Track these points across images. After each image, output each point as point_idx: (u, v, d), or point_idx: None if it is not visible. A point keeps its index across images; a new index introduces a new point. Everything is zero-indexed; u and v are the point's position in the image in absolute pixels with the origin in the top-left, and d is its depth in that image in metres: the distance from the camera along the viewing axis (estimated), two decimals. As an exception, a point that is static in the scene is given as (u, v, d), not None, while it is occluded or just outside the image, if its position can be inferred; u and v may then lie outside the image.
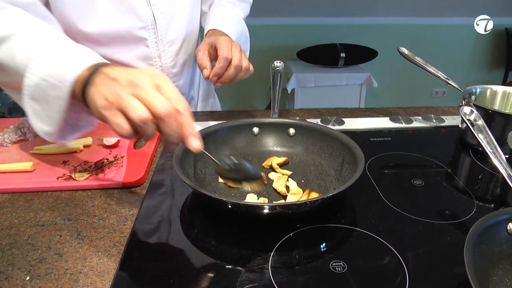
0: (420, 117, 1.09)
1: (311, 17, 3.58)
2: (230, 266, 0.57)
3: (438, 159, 0.88)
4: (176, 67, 1.12)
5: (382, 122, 1.06)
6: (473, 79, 3.92)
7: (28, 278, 0.55)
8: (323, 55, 3.45)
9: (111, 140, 0.90)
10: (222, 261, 0.58)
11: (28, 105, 0.69)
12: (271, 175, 0.79)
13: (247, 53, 1.19)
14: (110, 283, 0.53)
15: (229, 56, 0.91)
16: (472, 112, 0.81)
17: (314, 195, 0.72)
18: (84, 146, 0.91)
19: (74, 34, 0.93)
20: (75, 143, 0.90)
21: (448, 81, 1.02)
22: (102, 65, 0.62)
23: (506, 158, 0.70)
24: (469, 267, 0.48)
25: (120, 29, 0.99)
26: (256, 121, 0.89)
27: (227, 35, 1.03)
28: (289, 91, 3.35)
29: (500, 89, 1.00)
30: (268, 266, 0.56)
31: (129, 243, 0.61)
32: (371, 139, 0.97)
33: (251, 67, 0.97)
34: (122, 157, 0.85)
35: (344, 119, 1.06)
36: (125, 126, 0.55)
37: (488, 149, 0.73)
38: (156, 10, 1.01)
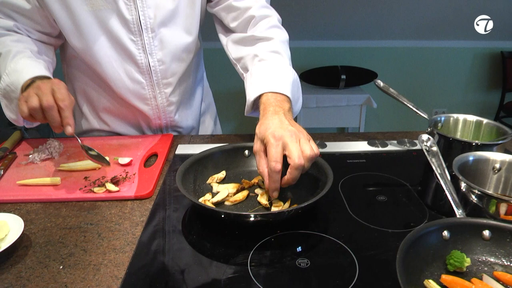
0: (395, 141, 1.24)
1: (314, 40, 3.76)
2: (218, 262, 0.72)
3: (404, 179, 1.03)
4: (171, 106, 1.28)
5: (360, 146, 1.21)
6: (470, 100, 4.07)
7: (61, 267, 0.71)
8: (324, 77, 3.62)
9: (125, 159, 1.06)
10: (213, 258, 0.74)
11: (1, 101, 1.08)
12: (257, 190, 0.94)
13: (300, 100, 1.13)
14: (124, 272, 0.69)
15: (301, 163, 0.81)
16: (428, 139, 0.97)
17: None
18: (103, 165, 1.07)
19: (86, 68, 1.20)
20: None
21: (417, 111, 1.17)
22: (39, 78, 0.99)
23: (450, 178, 0.85)
24: (399, 263, 0.63)
25: (121, 72, 1.18)
26: (247, 145, 1.04)
27: (286, 96, 0.99)
28: (292, 111, 3.49)
29: (461, 117, 1.15)
30: (248, 262, 0.72)
31: (139, 242, 0.77)
32: (348, 161, 1.12)
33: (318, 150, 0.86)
34: (134, 174, 1.01)
35: (327, 143, 1.21)
36: (25, 110, 0.90)
37: (437, 171, 0.88)
38: (152, 59, 1.18)
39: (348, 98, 3.52)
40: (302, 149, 0.82)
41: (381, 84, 1.23)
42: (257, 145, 0.88)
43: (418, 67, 3.93)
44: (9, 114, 1.09)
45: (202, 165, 0.99)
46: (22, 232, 0.75)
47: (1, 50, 1.08)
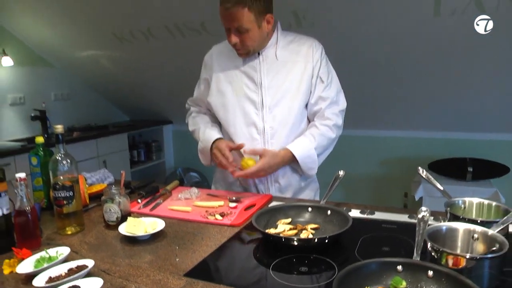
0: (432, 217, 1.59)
1: (444, 131, 3.98)
2: (267, 269, 1.26)
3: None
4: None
5: (402, 217, 1.57)
6: None
7: (177, 247, 1.34)
8: (452, 168, 3.74)
9: (233, 204, 1.69)
10: (265, 266, 1.27)
11: (200, 155, 1.96)
12: (304, 231, 1.43)
13: (314, 169, 1.91)
14: (214, 251, 1.28)
15: (245, 173, 1.78)
16: (426, 210, 1.33)
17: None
18: (219, 206, 1.70)
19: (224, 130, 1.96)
20: (216, 203, 1.70)
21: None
22: (216, 140, 1.86)
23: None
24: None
25: (246, 133, 1.88)
26: (311, 204, 1.56)
27: (291, 152, 1.80)
28: (416, 199, 3.64)
29: (475, 200, 1.44)
30: (270, 267, 1.23)
31: (227, 241, 1.36)
32: (382, 225, 1.52)
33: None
34: (235, 212, 1.62)
35: (377, 212, 1.63)
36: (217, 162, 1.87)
37: (417, 233, 1.26)
38: (267, 125, 1.85)
39: (473, 190, 3.53)
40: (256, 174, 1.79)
41: (423, 173, 1.62)
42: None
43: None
44: (203, 161, 1.97)
45: (276, 212, 1.54)
46: (163, 228, 1.42)
47: (198, 126, 1.99)
